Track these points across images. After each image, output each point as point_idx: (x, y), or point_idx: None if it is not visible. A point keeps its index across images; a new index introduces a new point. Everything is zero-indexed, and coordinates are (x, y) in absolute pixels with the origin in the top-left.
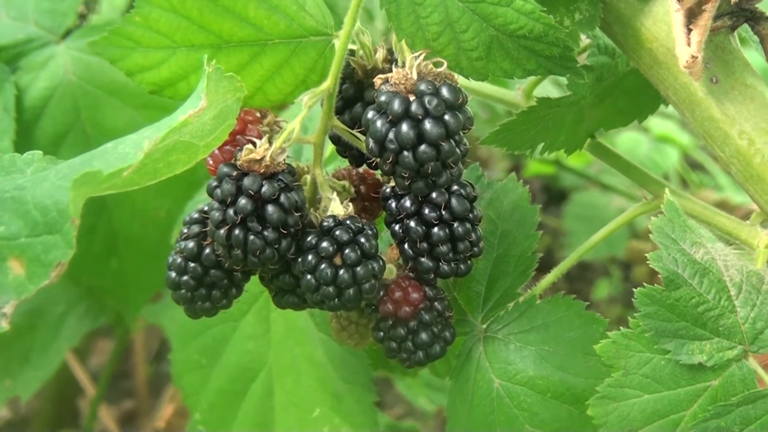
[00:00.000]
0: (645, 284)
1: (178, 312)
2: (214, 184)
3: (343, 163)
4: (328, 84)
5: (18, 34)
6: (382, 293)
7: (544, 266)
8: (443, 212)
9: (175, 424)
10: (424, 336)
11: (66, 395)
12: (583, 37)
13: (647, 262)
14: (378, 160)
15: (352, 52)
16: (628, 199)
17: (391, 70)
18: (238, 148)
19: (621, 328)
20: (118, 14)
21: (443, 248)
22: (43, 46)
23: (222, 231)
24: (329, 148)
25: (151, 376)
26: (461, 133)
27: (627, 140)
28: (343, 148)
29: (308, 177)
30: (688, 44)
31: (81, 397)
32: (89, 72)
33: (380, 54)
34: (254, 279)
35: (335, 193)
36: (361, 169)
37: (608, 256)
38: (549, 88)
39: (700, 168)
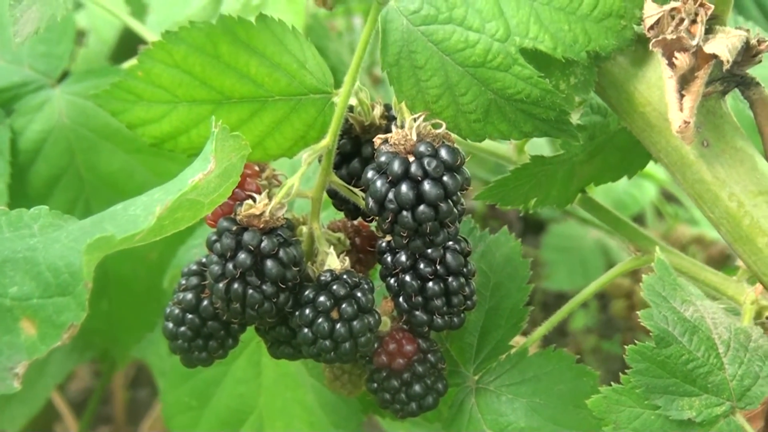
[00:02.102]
0: (636, 341)
1: (164, 348)
2: (214, 238)
3: (338, 214)
4: (327, 141)
5: (13, 77)
6: (376, 345)
7: None
8: (438, 267)
9: None
10: (417, 388)
11: (44, 421)
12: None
13: (626, 299)
14: (377, 218)
15: (350, 108)
16: (605, 233)
17: (388, 127)
18: (238, 202)
19: (605, 368)
20: (105, 48)
21: (437, 302)
22: (39, 90)
23: (221, 285)
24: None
25: (128, 402)
26: (459, 194)
27: None
28: (340, 202)
29: (303, 228)
30: (681, 109)
31: (58, 422)
32: (84, 116)
33: (378, 110)
34: None
35: (332, 247)
36: (356, 222)
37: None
38: (538, 140)
39: (675, 200)
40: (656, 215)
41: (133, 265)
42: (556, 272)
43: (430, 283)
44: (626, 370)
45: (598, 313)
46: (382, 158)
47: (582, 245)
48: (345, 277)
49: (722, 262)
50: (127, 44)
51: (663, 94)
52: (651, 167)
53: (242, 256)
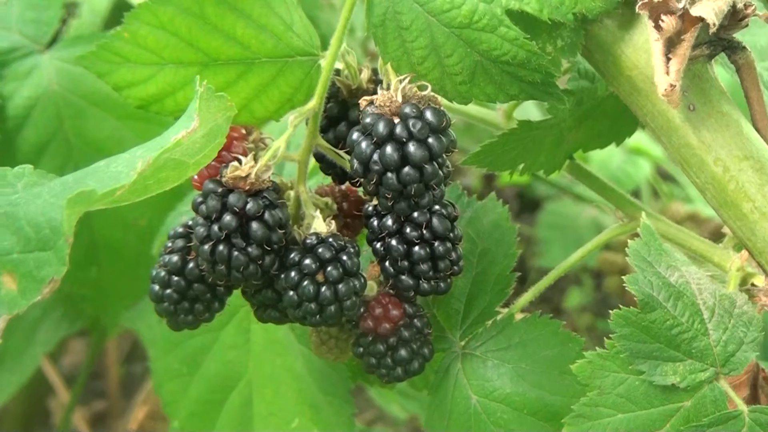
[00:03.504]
0: (620, 305)
1: (155, 318)
2: (200, 200)
3: (326, 179)
4: (313, 104)
5: (2, 42)
6: (362, 309)
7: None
8: (424, 231)
9: (147, 426)
10: (403, 352)
11: (37, 395)
12: (563, 60)
13: (620, 276)
14: (362, 180)
15: (337, 72)
16: (599, 210)
17: (375, 91)
18: (224, 164)
19: (600, 346)
20: (98, 20)
21: (424, 267)
22: (27, 56)
23: (206, 246)
24: (311, 162)
25: (123, 377)
26: (444, 156)
27: (600, 152)
28: (327, 166)
29: (291, 193)
30: (667, 73)
31: (52, 396)
32: (73, 82)
33: (365, 74)
34: (236, 291)
35: (318, 211)
36: (343, 186)
37: (580, 265)
38: (529, 105)
39: (670, 179)
40: (652, 193)
41: (123, 232)
42: (551, 250)
43: (417, 248)
44: (611, 335)
45: (593, 291)
46: (367, 119)
47: (577, 223)
48: (331, 240)
49: (717, 241)
50: (120, 16)
51: (649, 58)
52: (647, 145)
53: (227, 217)
